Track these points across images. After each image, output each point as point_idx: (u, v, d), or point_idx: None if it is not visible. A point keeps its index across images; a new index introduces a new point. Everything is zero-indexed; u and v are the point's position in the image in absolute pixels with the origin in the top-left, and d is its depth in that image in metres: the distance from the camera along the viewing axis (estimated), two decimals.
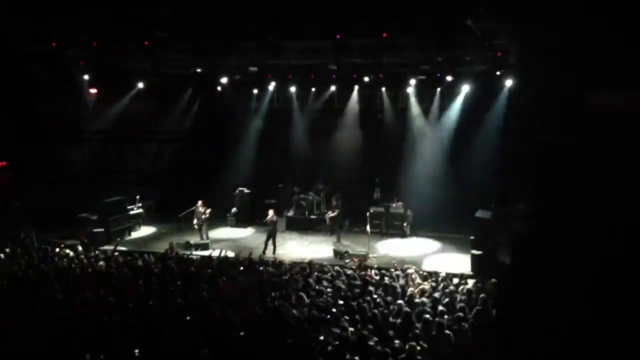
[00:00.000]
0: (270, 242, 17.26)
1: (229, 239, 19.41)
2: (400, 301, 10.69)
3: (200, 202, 18.59)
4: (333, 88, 20.94)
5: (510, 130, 17.20)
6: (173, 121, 20.43)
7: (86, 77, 16.45)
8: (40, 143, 13.38)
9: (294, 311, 9.97)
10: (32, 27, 12.51)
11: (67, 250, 15.82)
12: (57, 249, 15.85)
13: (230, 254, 15.80)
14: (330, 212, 19.37)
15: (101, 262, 14.10)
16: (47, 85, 14.91)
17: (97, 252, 15.74)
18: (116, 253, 15.21)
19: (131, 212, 20.18)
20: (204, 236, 18.58)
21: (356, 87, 20.71)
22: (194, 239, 18.21)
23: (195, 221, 18.64)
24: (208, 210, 18.59)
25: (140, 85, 18.66)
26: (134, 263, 14.13)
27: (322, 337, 8.64)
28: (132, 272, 13.19)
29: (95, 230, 18.35)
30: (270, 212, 17.56)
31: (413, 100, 20.55)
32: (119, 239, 18.55)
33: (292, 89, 21.04)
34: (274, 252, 16.95)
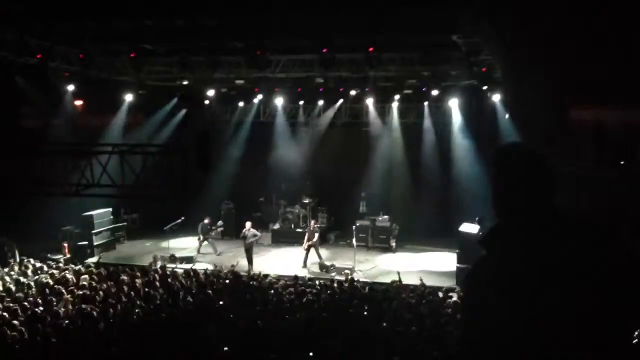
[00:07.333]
0: (250, 255, 17.15)
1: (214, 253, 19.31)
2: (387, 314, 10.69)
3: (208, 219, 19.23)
4: (320, 102, 21.02)
5: (495, 144, 17.30)
6: (158, 133, 20.37)
7: (71, 88, 16.35)
8: (24, 155, 13.21)
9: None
10: (17, 38, 12.43)
11: (50, 263, 15.65)
12: (40, 262, 15.65)
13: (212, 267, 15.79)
14: (306, 239, 17.71)
15: (84, 276, 13.96)
16: (31, 97, 14.82)
17: (80, 265, 15.56)
18: (100, 267, 15.04)
19: (115, 225, 20.05)
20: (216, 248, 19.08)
21: (341, 100, 20.75)
22: (178, 252, 18.11)
23: (201, 236, 18.99)
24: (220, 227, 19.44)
25: (127, 98, 18.59)
26: (117, 277, 14.01)
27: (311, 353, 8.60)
28: (115, 286, 13.08)
29: (78, 243, 18.17)
30: (248, 225, 17.46)
31: (399, 114, 20.65)
32: (102, 252, 18.39)
33: (279, 102, 21.05)
34: (250, 266, 16.82)
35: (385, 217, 19.58)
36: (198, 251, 18.66)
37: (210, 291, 12.63)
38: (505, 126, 17.00)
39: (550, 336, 2.12)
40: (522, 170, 2.38)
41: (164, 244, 18.80)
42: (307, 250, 17.39)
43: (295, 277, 14.25)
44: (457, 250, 15.49)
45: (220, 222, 20.01)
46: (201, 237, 18.93)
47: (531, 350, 2.16)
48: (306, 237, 17.72)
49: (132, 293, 12.41)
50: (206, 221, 19.08)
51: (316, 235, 17.52)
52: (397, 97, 19.45)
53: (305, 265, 17.23)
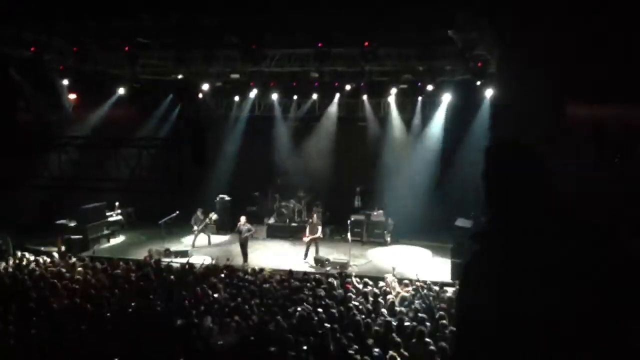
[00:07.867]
0: (245, 249, 17.17)
1: (207, 245, 19.34)
2: (381, 309, 10.74)
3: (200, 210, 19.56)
4: (315, 96, 20.97)
5: (490, 139, 17.29)
6: (153, 127, 20.31)
7: (65, 82, 16.25)
8: (18, 149, 13.17)
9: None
10: (11, 32, 12.35)
11: (45, 257, 15.62)
12: (34, 256, 15.62)
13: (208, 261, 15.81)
14: (308, 233, 17.70)
15: (79, 269, 13.94)
16: (26, 90, 14.74)
17: (74, 259, 15.53)
18: (94, 261, 15.01)
19: (110, 219, 20.02)
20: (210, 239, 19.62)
21: (337, 95, 20.71)
22: (173, 246, 18.10)
23: (195, 227, 19.19)
24: (214, 217, 19.73)
25: (121, 91, 18.51)
26: (112, 270, 14.00)
27: (304, 347, 8.63)
28: (109, 280, 13.07)
29: (73, 237, 18.13)
30: (242, 219, 17.47)
31: (394, 108, 20.64)
32: (97, 246, 18.37)
33: (274, 96, 21.00)
34: (245, 261, 16.84)
35: (380, 211, 19.62)
36: (193, 245, 18.69)
37: (205, 285, 12.64)
38: (481, 120, 17.11)
39: (550, 336, 2.13)
40: (504, 171, 2.42)
41: (159, 237, 18.80)
42: (309, 243, 17.43)
43: (290, 272, 14.28)
44: (452, 245, 15.54)
45: (215, 215, 19.99)
46: (195, 229, 19.08)
47: (530, 350, 2.18)
48: (308, 231, 17.73)
49: (127, 287, 12.41)
50: (198, 213, 19.23)
51: (319, 229, 17.55)
52: (392, 91, 19.44)
53: (306, 258, 17.27)
